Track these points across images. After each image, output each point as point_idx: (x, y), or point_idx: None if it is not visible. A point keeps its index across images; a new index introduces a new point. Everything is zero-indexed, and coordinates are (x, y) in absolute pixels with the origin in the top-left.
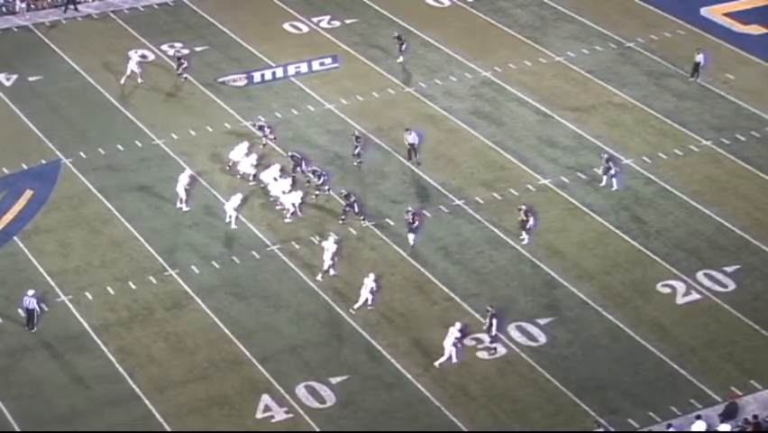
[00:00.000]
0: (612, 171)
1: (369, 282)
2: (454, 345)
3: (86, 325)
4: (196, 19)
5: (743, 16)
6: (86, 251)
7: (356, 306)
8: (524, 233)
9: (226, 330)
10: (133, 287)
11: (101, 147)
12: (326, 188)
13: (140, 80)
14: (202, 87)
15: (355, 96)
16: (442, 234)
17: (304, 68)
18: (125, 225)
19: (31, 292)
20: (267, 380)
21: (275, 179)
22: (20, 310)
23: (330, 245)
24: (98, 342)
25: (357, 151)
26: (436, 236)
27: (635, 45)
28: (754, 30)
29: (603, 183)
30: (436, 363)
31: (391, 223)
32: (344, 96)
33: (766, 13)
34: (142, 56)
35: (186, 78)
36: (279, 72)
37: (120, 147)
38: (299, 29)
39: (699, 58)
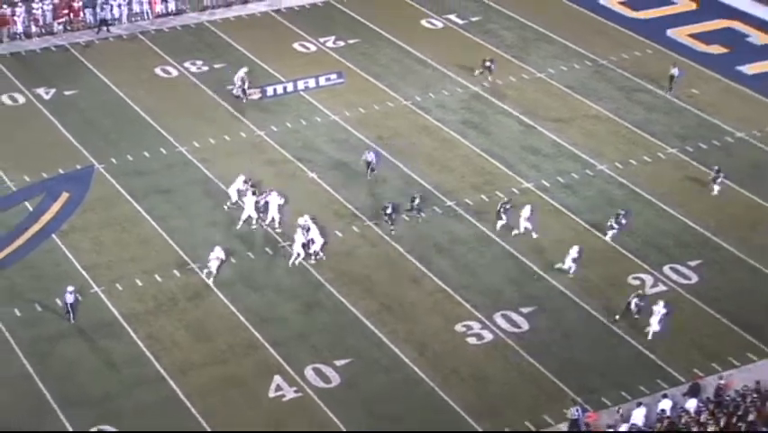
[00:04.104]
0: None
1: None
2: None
3: (116, 313)
4: (215, 39)
5: (705, 37)
6: (117, 247)
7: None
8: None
9: (242, 318)
10: (159, 279)
11: (130, 154)
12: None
13: (235, 90)
14: (220, 99)
15: (358, 108)
16: (435, 232)
17: (312, 83)
18: (152, 224)
19: (70, 288)
20: (278, 363)
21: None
22: (57, 300)
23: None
24: (128, 329)
25: (414, 204)
26: (431, 234)
27: (608, 63)
28: (715, 49)
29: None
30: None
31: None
32: (348, 108)
33: (726, 35)
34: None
35: (247, 96)
36: (290, 87)
37: (147, 154)
38: (308, 48)
39: (674, 71)
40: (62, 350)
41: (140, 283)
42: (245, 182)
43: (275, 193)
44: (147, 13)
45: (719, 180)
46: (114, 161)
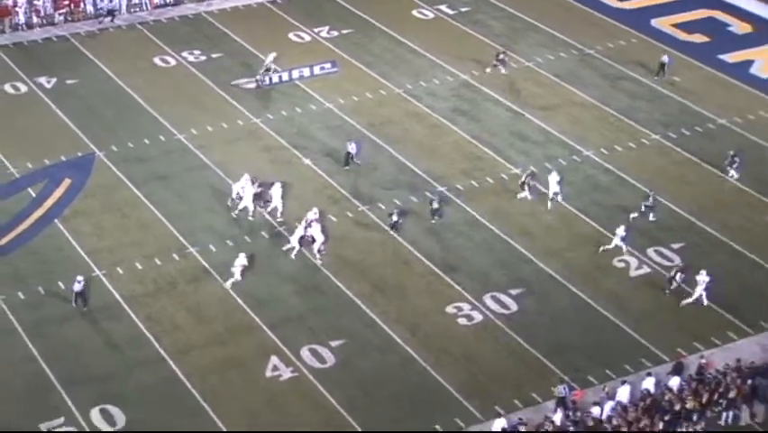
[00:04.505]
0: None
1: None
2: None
3: (117, 296)
4: (213, 30)
5: (687, 27)
6: (118, 232)
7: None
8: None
9: (240, 301)
10: (159, 263)
11: (130, 141)
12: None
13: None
14: (218, 88)
15: (351, 96)
16: (427, 216)
17: (306, 72)
18: (151, 209)
19: (80, 277)
20: (275, 344)
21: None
22: (60, 284)
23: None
24: (129, 311)
25: (435, 207)
26: (422, 218)
27: (594, 52)
28: (697, 38)
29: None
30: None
31: (383, 207)
32: (342, 96)
33: (707, 24)
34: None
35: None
36: (285, 76)
37: (146, 141)
38: (302, 38)
39: (665, 58)
40: (65, 332)
41: (140, 267)
42: (253, 183)
43: (278, 184)
44: (146, 3)
45: (735, 166)
46: (114, 148)
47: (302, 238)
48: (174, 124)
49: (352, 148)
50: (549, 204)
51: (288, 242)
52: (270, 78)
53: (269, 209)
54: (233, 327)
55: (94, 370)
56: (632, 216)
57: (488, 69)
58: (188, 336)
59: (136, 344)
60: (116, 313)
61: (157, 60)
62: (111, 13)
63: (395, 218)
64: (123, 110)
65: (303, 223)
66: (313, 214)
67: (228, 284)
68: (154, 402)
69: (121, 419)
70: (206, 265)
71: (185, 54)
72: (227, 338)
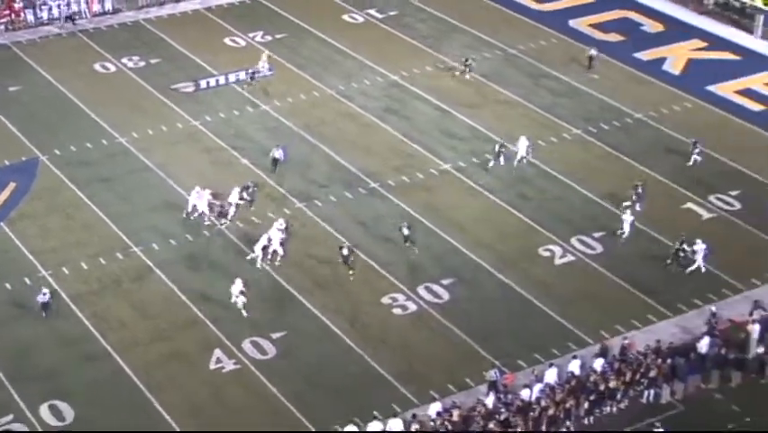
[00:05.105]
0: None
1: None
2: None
3: (64, 295)
4: (151, 36)
5: (603, 26)
6: (63, 233)
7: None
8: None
9: (183, 297)
10: (103, 262)
11: (72, 145)
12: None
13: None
14: (157, 93)
15: (286, 98)
16: (361, 211)
17: (242, 75)
18: (95, 210)
19: (45, 290)
20: (218, 337)
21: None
22: (7, 285)
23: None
24: (75, 309)
25: (405, 234)
26: (357, 214)
27: (516, 52)
28: (613, 37)
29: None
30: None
31: (319, 204)
32: (277, 98)
33: (622, 24)
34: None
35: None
36: (222, 80)
37: (89, 145)
38: (237, 42)
39: (593, 51)
40: (13, 331)
41: (85, 266)
42: (242, 198)
43: (236, 189)
44: (85, 12)
45: (697, 151)
46: (57, 152)
47: (265, 248)
48: (115, 127)
49: (278, 154)
50: (515, 164)
51: (253, 251)
52: (208, 83)
53: (228, 216)
54: (176, 323)
55: (42, 367)
56: (626, 203)
57: (457, 72)
58: (133, 332)
59: (83, 341)
60: (63, 311)
61: (97, 67)
62: (71, 18)
63: (345, 252)
64: (65, 115)
65: (266, 235)
66: (279, 225)
67: (241, 310)
68: (102, 397)
69: (69, 414)
70: (150, 264)
71: (124, 60)
72: (171, 333)
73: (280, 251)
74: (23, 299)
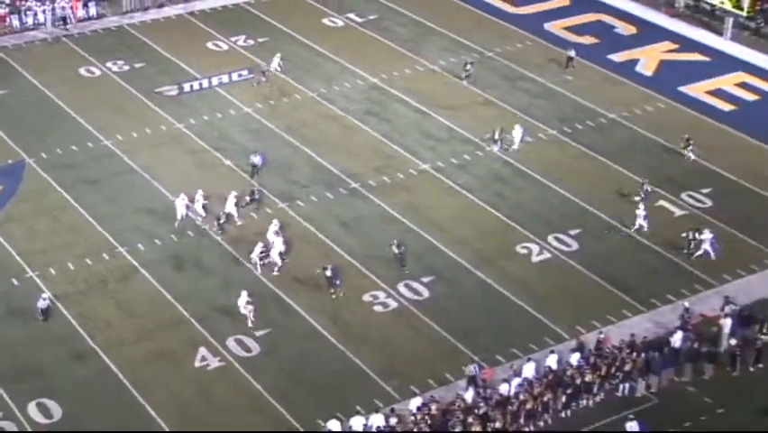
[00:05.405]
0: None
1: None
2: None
3: (51, 295)
4: (135, 41)
5: (578, 29)
6: (50, 235)
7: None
8: None
9: (168, 296)
10: (89, 263)
11: (59, 148)
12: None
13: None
14: (141, 96)
15: (268, 101)
16: (342, 211)
17: (225, 78)
18: (81, 212)
19: (45, 295)
20: (203, 335)
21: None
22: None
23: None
24: (62, 309)
25: (396, 252)
26: (339, 214)
27: (493, 54)
28: (587, 40)
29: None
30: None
31: (301, 204)
32: (259, 101)
33: (596, 27)
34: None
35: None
36: (205, 83)
37: (74, 148)
38: (220, 47)
39: (572, 52)
40: (1, 330)
41: (72, 267)
42: (236, 204)
43: (233, 194)
44: (70, 17)
45: (690, 148)
46: (43, 155)
47: (262, 254)
48: (100, 130)
49: (257, 160)
50: (515, 147)
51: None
52: (192, 86)
53: (221, 221)
54: (162, 322)
55: (30, 366)
56: (636, 198)
57: (463, 75)
58: (120, 331)
59: (70, 340)
60: (50, 311)
61: (82, 71)
62: (63, 20)
63: (328, 273)
64: (51, 119)
65: (260, 244)
66: (274, 226)
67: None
68: (89, 395)
69: (57, 412)
70: (135, 264)
71: (109, 64)
72: (157, 332)
73: (279, 261)
74: (11, 299)
